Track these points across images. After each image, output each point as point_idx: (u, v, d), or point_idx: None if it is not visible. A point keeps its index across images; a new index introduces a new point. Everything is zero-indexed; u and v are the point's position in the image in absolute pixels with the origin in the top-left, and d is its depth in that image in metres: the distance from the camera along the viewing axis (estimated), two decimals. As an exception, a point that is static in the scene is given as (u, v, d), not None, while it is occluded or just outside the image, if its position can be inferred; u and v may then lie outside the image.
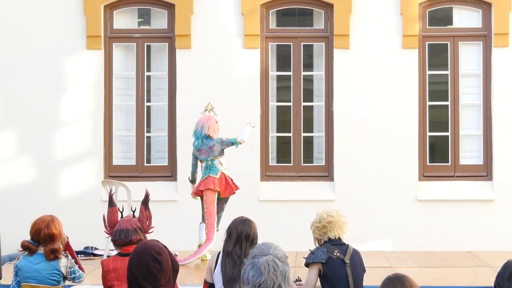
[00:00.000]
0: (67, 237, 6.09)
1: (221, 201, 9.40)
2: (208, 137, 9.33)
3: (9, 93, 11.22)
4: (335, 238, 6.10)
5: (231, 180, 9.39)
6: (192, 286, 6.97)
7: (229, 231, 5.86)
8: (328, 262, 5.97)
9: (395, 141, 11.06)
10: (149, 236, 5.85)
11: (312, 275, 6.02)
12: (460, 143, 11.26)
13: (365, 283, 6.21)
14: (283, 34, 11.40)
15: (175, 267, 5.10)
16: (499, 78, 11.12)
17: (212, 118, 9.42)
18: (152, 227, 5.91)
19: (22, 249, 5.91)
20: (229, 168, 9.41)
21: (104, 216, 5.98)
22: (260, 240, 5.88)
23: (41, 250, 5.87)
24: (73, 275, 5.94)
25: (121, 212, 5.95)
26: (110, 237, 5.85)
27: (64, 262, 5.87)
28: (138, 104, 11.40)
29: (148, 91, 11.52)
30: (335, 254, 6.00)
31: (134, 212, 5.96)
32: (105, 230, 5.94)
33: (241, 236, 5.79)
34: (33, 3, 11.24)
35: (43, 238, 5.83)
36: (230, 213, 10.91)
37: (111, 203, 5.97)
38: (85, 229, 10.82)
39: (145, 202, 5.95)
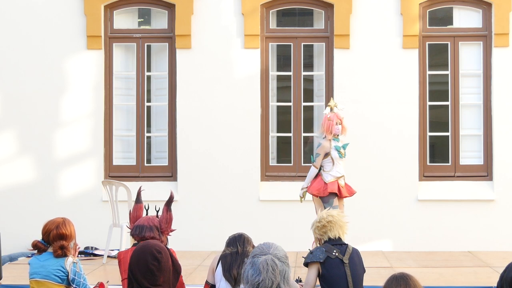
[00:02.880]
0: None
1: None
2: (324, 137, 9.04)
3: (9, 93, 11.22)
4: (335, 238, 6.11)
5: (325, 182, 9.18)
6: (192, 286, 6.97)
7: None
8: (326, 261, 5.97)
9: (395, 141, 11.06)
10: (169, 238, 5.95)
11: (311, 274, 6.02)
12: (460, 143, 11.25)
13: (365, 283, 6.20)
14: (283, 34, 11.39)
15: (176, 269, 5.10)
16: (499, 78, 11.11)
17: (326, 117, 9.06)
18: (173, 230, 5.97)
19: (32, 248, 5.97)
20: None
21: (129, 211, 6.13)
22: (260, 241, 5.91)
23: (50, 249, 5.94)
24: (75, 278, 5.90)
25: (147, 210, 6.02)
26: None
27: (70, 261, 5.89)
28: (138, 104, 11.39)
29: (148, 91, 11.51)
30: (333, 253, 6.00)
31: (158, 211, 6.03)
32: (127, 225, 6.10)
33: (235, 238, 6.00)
34: (34, 3, 11.23)
35: (52, 238, 5.91)
36: (231, 213, 10.97)
37: (138, 199, 6.08)
38: (85, 229, 10.81)
39: (168, 203, 6.02)
